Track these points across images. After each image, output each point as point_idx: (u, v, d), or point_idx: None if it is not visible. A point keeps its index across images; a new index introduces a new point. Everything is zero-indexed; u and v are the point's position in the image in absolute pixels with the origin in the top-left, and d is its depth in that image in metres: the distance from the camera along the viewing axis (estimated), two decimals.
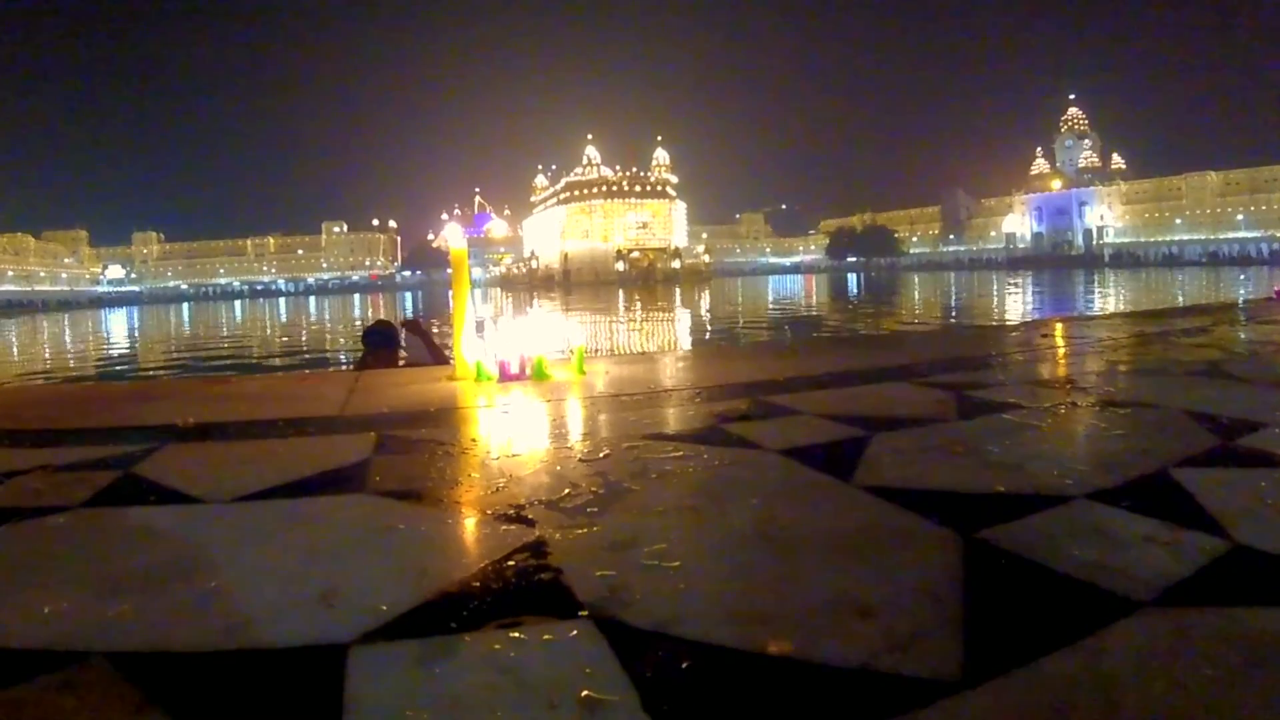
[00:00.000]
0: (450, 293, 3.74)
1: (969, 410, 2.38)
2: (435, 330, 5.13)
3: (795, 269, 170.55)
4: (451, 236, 3.44)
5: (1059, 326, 5.37)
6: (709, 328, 18.68)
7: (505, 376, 3.27)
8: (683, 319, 22.65)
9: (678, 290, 58.15)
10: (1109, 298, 25.54)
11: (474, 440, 2.18)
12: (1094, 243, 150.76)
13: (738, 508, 1.52)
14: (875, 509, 1.50)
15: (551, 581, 1.21)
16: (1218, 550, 1.26)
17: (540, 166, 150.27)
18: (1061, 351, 3.90)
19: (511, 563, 1.28)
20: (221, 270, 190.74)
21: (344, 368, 5.49)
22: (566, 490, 1.65)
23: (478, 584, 1.21)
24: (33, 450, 2.38)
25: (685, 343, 14.52)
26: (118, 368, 15.72)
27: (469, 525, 1.50)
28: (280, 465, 2.00)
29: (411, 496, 1.67)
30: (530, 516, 1.50)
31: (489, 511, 1.55)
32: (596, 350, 10.80)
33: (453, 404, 2.79)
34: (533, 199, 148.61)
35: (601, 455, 1.94)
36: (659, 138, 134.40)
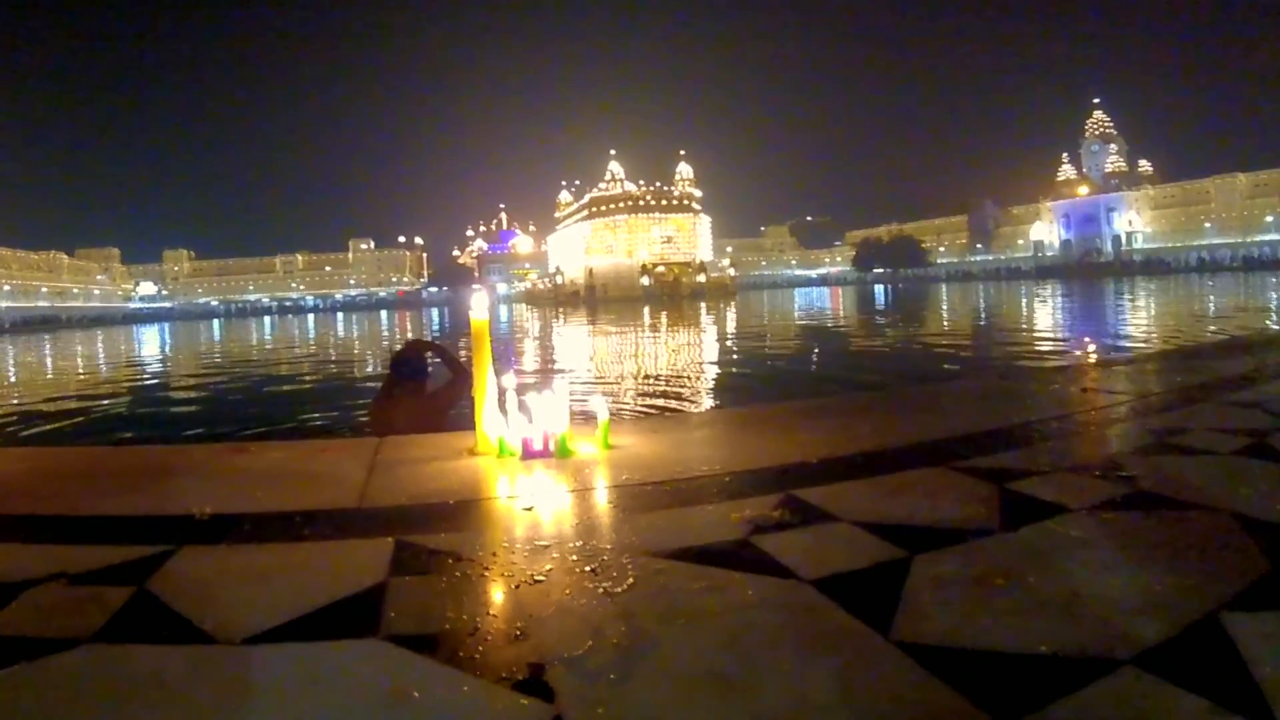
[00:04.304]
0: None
1: (1011, 515, 2.27)
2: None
3: (822, 281, 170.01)
4: (474, 307, 3.38)
5: (1095, 376, 5.22)
6: (735, 355, 18.53)
7: (528, 453, 3.20)
8: (708, 344, 22.51)
9: (703, 306, 58.00)
10: (1141, 318, 25.04)
11: (494, 556, 2.10)
12: (1123, 249, 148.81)
13: (767, 677, 1.43)
14: (911, 681, 1.41)
15: None
16: None
17: (565, 182, 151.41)
18: (1099, 416, 3.77)
19: None
20: (251, 287, 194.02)
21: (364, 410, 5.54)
22: (589, 642, 1.57)
23: None
24: (50, 547, 2.37)
25: (711, 373, 14.37)
26: (142, 396, 15.88)
27: (485, 696, 1.43)
28: (294, 587, 1.95)
29: (426, 646, 1.60)
30: (549, 682, 1.43)
31: (506, 673, 1.48)
32: (621, 396, 10.70)
33: (474, 494, 2.72)
34: (557, 215, 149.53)
35: (627, 584, 1.86)
36: (682, 151, 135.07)
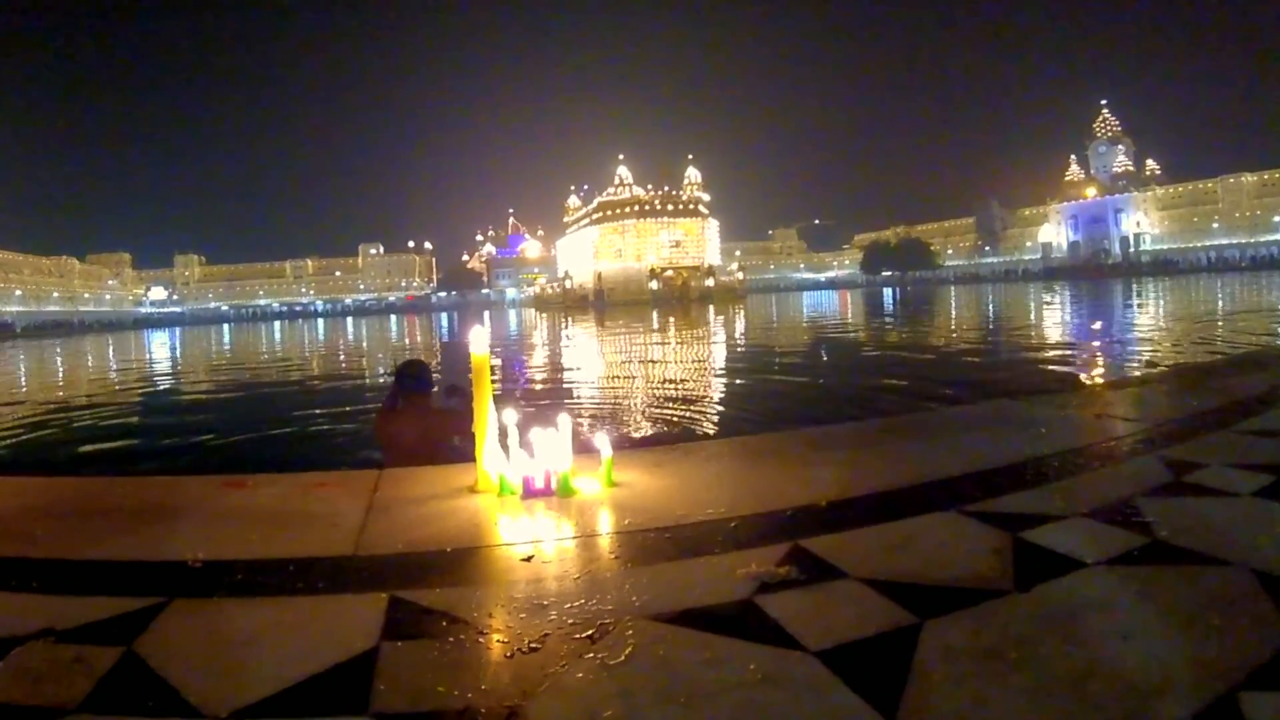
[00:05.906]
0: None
1: (1024, 570, 2.20)
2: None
3: (830, 285, 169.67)
4: (474, 342, 3.32)
5: (1106, 399, 5.14)
6: (745, 366, 18.41)
7: (529, 492, 3.14)
8: (717, 355, 22.38)
9: (711, 310, 57.91)
10: (1150, 324, 24.83)
11: (490, 617, 2.04)
12: (1131, 250, 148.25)
13: None
14: None
15: None
16: None
17: (573, 187, 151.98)
18: (1113, 448, 3.68)
19: None
20: (261, 292, 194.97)
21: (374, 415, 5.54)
22: None
23: None
24: (40, 597, 2.33)
25: (720, 390, 14.27)
26: (151, 402, 15.91)
27: None
28: (284, 652, 1.90)
29: None
30: None
31: None
32: (627, 415, 10.62)
33: (472, 542, 2.66)
34: (566, 219, 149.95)
35: (625, 654, 1.79)
36: (690, 156, 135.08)
